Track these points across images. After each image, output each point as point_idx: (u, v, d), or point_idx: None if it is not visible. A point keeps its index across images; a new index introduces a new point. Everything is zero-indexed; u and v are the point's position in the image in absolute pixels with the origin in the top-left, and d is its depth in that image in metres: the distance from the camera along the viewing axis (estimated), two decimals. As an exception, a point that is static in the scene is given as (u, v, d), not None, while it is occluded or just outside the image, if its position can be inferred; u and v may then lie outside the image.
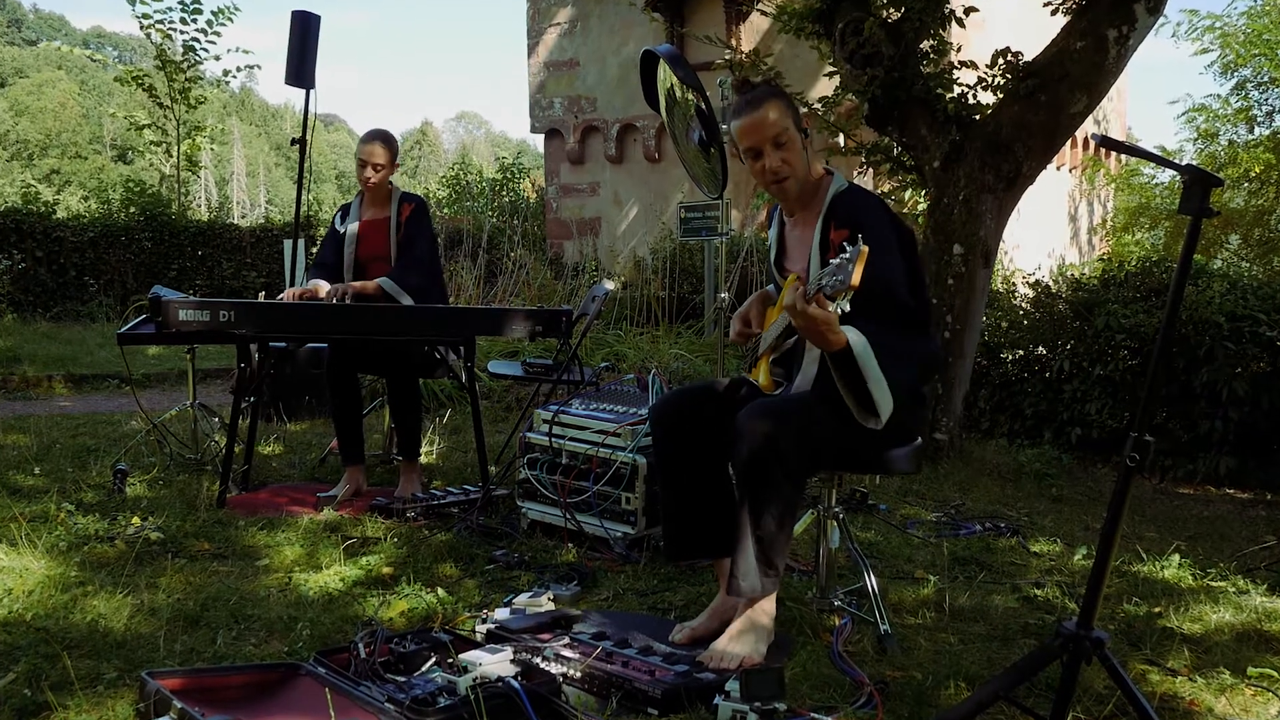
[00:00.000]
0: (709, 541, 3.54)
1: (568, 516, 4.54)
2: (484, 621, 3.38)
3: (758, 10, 8.86)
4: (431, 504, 4.99)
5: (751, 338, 3.69)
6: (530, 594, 3.67)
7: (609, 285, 6.34)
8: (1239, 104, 14.58)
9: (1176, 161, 2.54)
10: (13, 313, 13.63)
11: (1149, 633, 3.61)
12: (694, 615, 3.55)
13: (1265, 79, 14.23)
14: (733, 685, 2.81)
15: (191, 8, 16.32)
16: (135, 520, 4.63)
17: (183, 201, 17.50)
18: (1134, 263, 8.72)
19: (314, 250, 13.53)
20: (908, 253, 3.34)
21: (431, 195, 22.66)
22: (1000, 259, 11.22)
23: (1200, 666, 3.32)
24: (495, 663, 2.88)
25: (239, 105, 72.27)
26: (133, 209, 15.56)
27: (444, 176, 24.81)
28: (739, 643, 3.18)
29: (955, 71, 6.93)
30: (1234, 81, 14.57)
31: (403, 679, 2.84)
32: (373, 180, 5.59)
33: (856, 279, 2.79)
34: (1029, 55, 6.64)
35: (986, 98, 6.82)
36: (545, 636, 3.25)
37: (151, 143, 17.93)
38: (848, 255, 2.81)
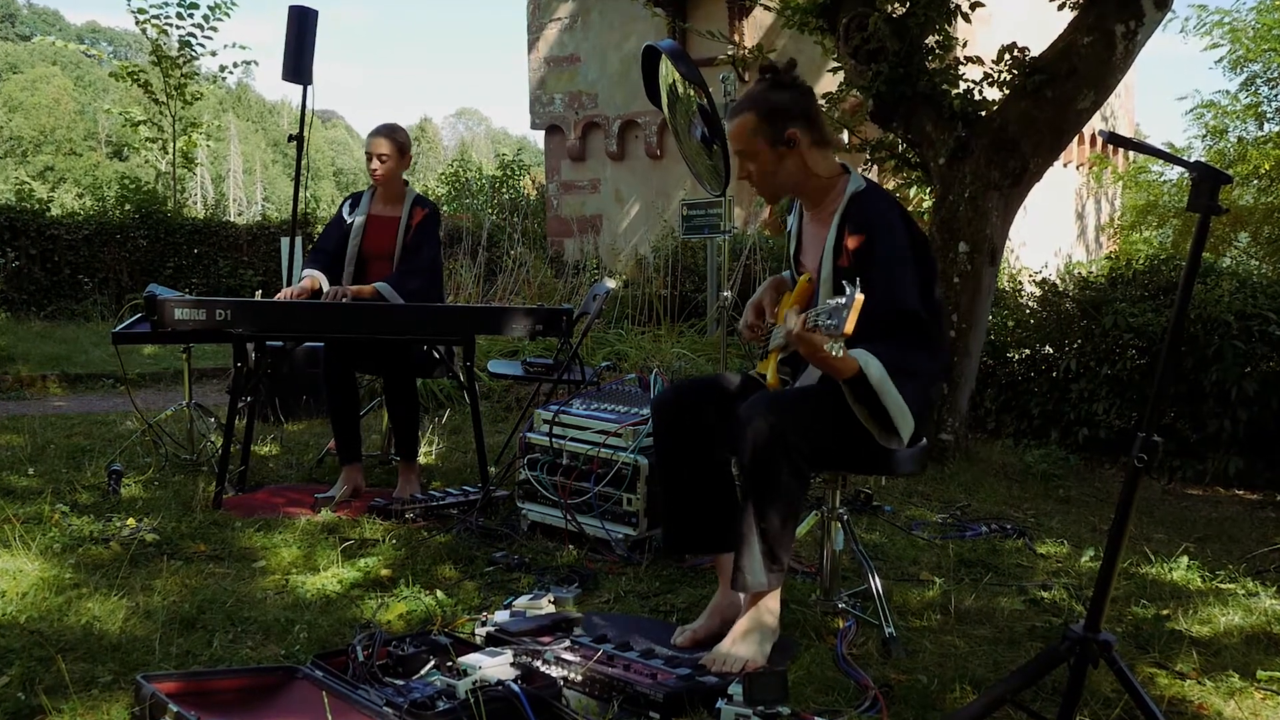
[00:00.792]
0: (708, 537, 3.54)
1: (568, 518, 4.55)
2: (484, 624, 3.38)
3: (761, 5, 8.86)
4: (430, 505, 5.00)
5: (760, 330, 3.69)
6: (530, 596, 3.67)
7: (610, 283, 6.34)
8: (1248, 100, 14.57)
9: (1185, 158, 2.53)
10: (6, 311, 13.62)
11: (1157, 635, 3.61)
12: (696, 617, 3.55)
13: (1275, 74, 14.22)
14: (736, 689, 2.81)
15: (188, 2, 16.33)
16: (130, 521, 4.64)
17: (178, 199, 17.52)
18: (1142, 261, 8.72)
19: (311, 248, 13.53)
20: (921, 259, 3.33)
21: (431, 192, 22.67)
22: (1006, 257, 11.21)
23: (1209, 669, 3.32)
24: (495, 666, 2.88)
25: (235, 101, 72.23)
26: (128, 206, 15.56)
27: (443, 173, 24.80)
28: (743, 645, 3.18)
29: (961, 67, 6.93)
30: (1243, 77, 14.56)
31: (401, 682, 2.84)
32: (379, 172, 5.59)
33: (849, 328, 2.81)
34: (1035, 51, 6.63)
35: (992, 94, 6.82)
36: (546, 639, 3.25)
37: (147, 139, 17.94)
38: (844, 300, 2.83)
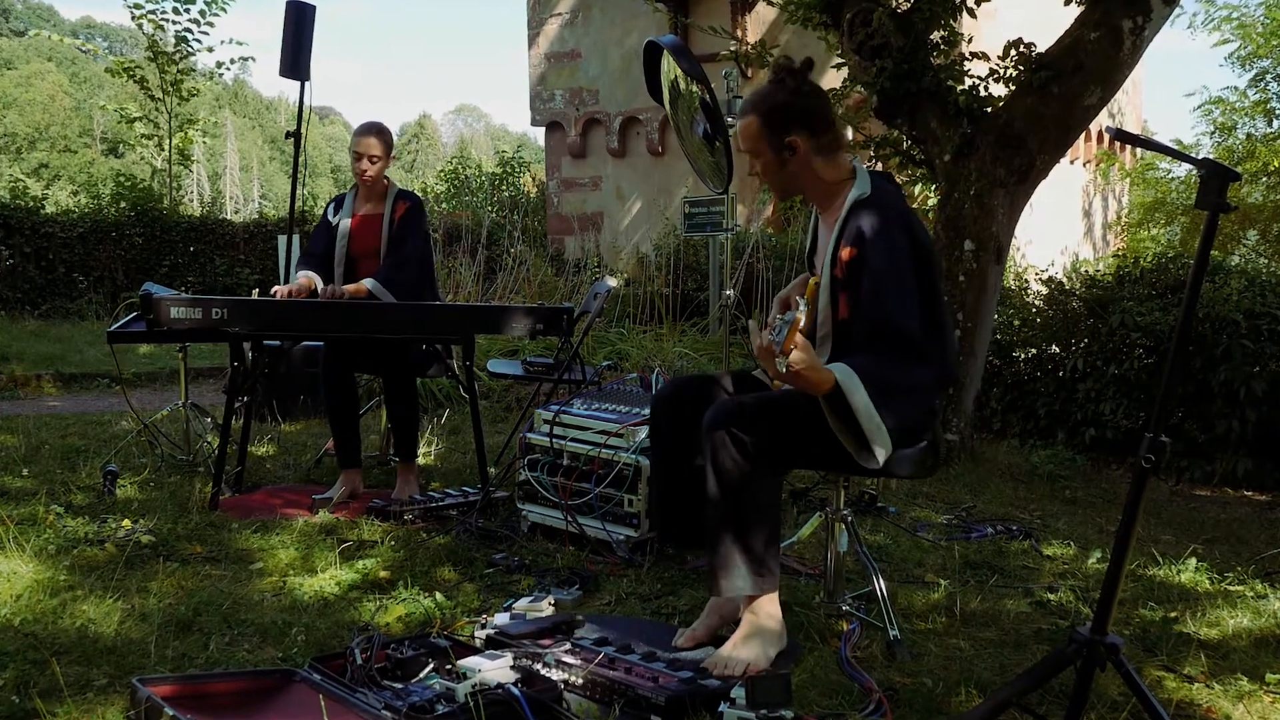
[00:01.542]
0: (701, 530, 3.52)
1: (569, 519, 4.54)
2: (483, 627, 3.38)
3: (763, 0, 8.86)
4: (429, 506, 5.00)
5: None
6: (531, 598, 3.67)
7: (611, 282, 6.34)
8: (1257, 96, 14.57)
9: (1193, 155, 2.53)
10: (0, 310, 13.64)
11: (1165, 638, 3.61)
12: (698, 619, 3.55)
13: (1285, 70, 14.22)
14: (738, 692, 2.81)
15: (184, -3, 16.35)
16: (126, 523, 4.64)
17: (174, 196, 17.53)
18: (1149, 259, 8.72)
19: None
20: (922, 270, 3.27)
21: (430, 190, 22.69)
22: (1012, 255, 11.20)
23: (1217, 673, 3.31)
24: (495, 669, 2.88)
25: (232, 98, 72.23)
26: (123, 204, 15.58)
27: (442, 170, 24.81)
28: (745, 648, 3.17)
29: (966, 63, 6.93)
30: (1253, 73, 14.56)
31: (400, 686, 2.84)
32: (369, 174, 5.59)
33: (788, 345, 2.87)
34: (1042, 46, 6.63)
35: (998, 90, 6.81)
36: (546, 642, 3.25)
37: (143, 136, 17.96)
38: (784, 319, 2.91)
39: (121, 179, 17.00)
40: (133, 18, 16.40)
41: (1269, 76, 14.45)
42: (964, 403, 6.72)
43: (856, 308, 3.24)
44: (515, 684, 2.78)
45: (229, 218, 18.84)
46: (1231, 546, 5.24)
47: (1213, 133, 14.92)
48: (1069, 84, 6.38)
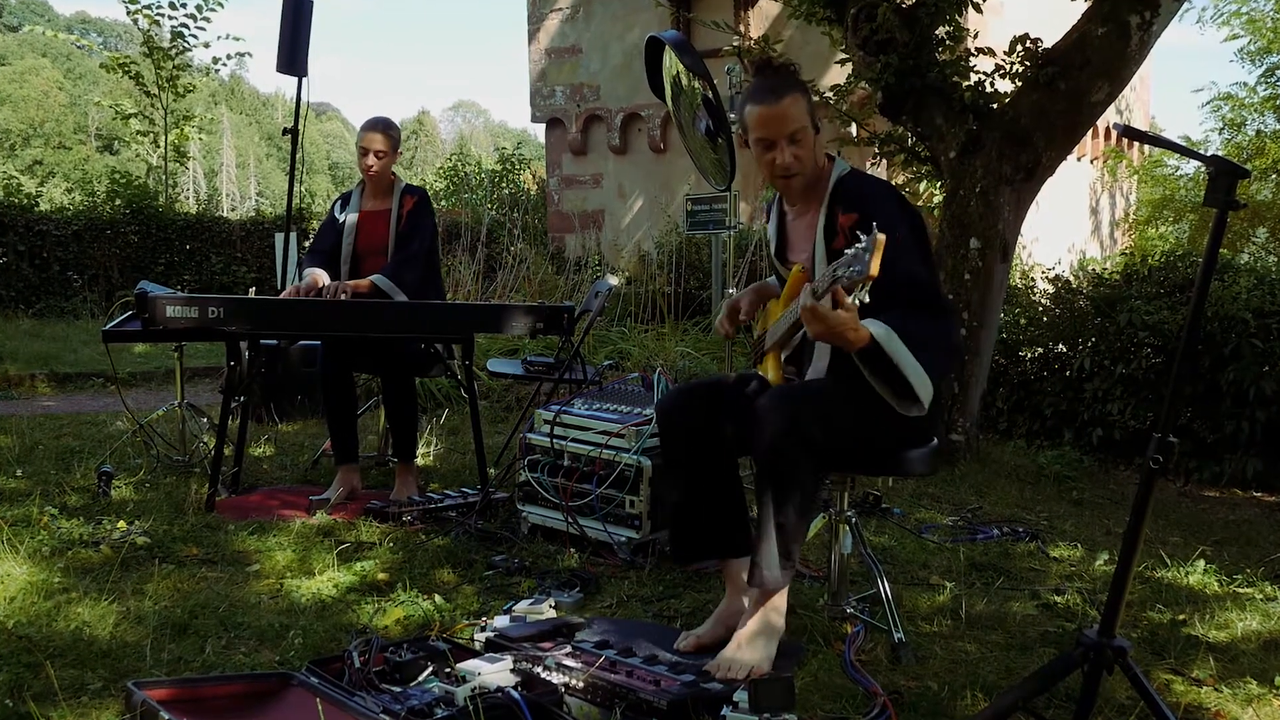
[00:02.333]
0: (717, 542, 3.54)
1: (570, 520, 4.55)
2: (483, 629, 3.39)
3: (767, -5, 8.86)
4: (428, 507, 5.00)
5: (736, 330, 3.73)
6: (531, 601, 3.68)
7: (612, 280, 6.35)
8: (1267, 92, 14.55)
9: (1201, 152, 2.53)
10: (-7, 309, 13.67)
11: (1173, 641, 3.61)
12: (700, 622, 3.55)
13: (1295, 66, 14.22)
14: (741, 696, 2.81)
15: (180, -8, 16.36)
16: (121, 524, 4.64)
17: (170, 194, 17.53)
18: (1157, 257, 8.70)
19: (306, 244, 13.55)
20: (919, 235, 3.36)
21: (429, 187, 22.68)
22: (1019, 253, 11.20)
23: (1226, 676, 3.32)
24: (495, 672, 2.88)
25: (228, 94, 72.27)
26: (118, 201, 15.57)
27: (441, 168, 24.81)
28: (749, 650, 3.17)
29: (972, 59, 6.92)
30: (1263, 69, 14.55)
31: (398, 689, 2.84)
32: (375, 169, 5.60)
33: (875, 268, 2.78)
34: (1048, 42, 6.63)
35: (1004, 86, 6.81)
36: (546, 645, 3.25)
37: (138, 133, 17.96)
38: (863, 245, 2.80)
39: (117, 176, 17.00)
40: (128, 13, 16.40)
41: (1279, 72, 14.44)
42: (970, 402, 6.72)
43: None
44: (515, 687, 2.79)
45: (225, 215, 18.84)
46: (1240, 548, 5.23)
47: (1222, 129, 14.91)
48: (1076, 80, 6.37)
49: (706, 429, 3.47)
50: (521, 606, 3.61)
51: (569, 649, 3.19)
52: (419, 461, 5.92)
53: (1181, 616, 3.89)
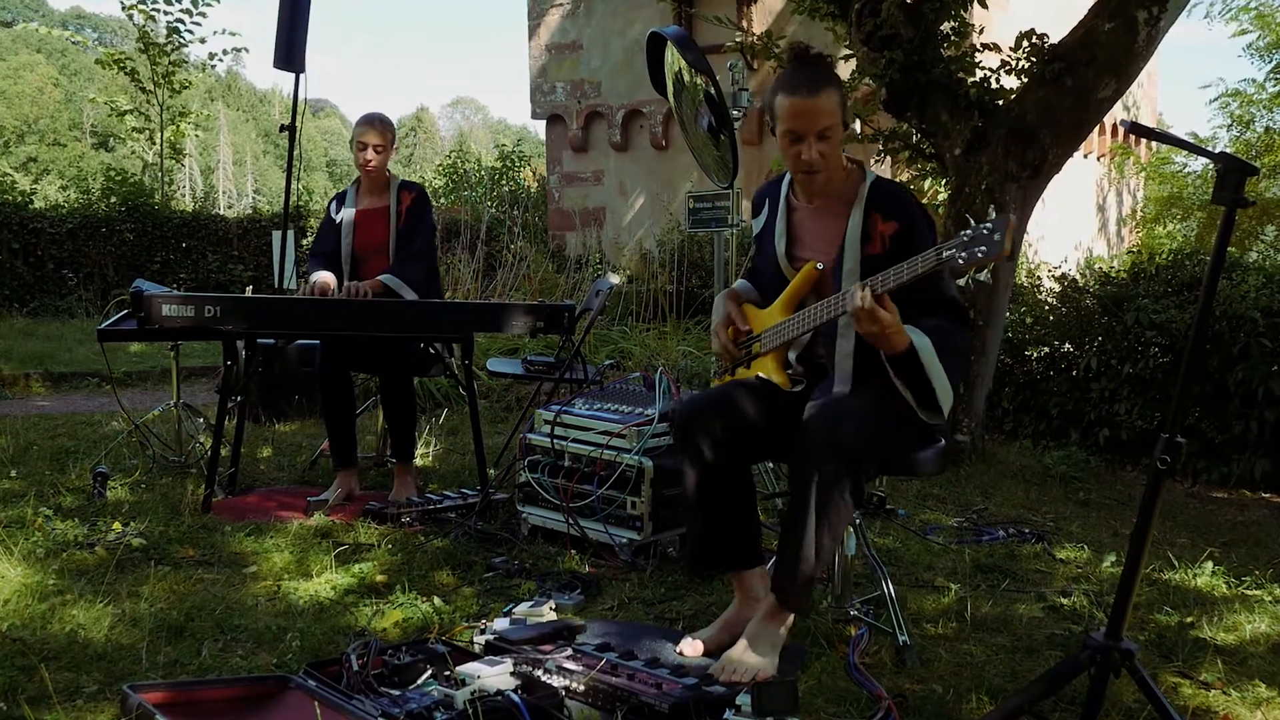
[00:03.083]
0: (734, 554, 3.51)
1: (570, 522, 4.55)
2: (482, 632, 3.38)
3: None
4: (427, 508, 5.00)
5: (742, 344, 3.66)
6: (531, 603, 3.67)
7: (614, 279, 6.35)
8: (1275, 88, 14.53)
9: (1209, 149, 2.53)
10: (-12, 308, 13.68)
11: (1181, 644, 3.61)
12: (702, 625, 3.55)
13: (1305, 62, 14.19)
14: (744, 699, 2.81)
15: (176, -12, 16.36)
16: (116, 526, 4.64)
17: (166, 191, 17.54)
18: (1165, 255, 8.70)
19: (304, 242, 13.56)
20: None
21: (428, 184, 22.68)
22: (1025, 251, 11.20)
23: (1234, 679, 3.31)
24: (494, 675, 2.88)
25: (225, 90, 72.26)
26: (114, 199, 15.59)
27: (441, 165, 24.83)
28: (752, 653, 3.17)
29: (977, 54, 6.92)
30: (1271, 65, 14.52)
31: (397, 693, 2.84)
32: (373, 164, 5.60)
33: (1008, 246, 2.90)
34: (1055, 38, 6.62)
35: (1010, 82, 6.81)
36: (547, 648, 3.25)
37: (134, 129, 17.97)
38: (991, 225, 2.92)
39: (112, 173, 17.02)
40: (123, 8, 16.42)
41: (1288, 68, 14.42)
42: (975, 402, 6.72)
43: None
44: (515, 691, 2.79)
45: (222, 213, 18.87)
46: (1249, 550, 5.23)
47: (1230, 126, 14.89)
48: (1082, 76, 6.37)
49: (725, 441, 3.40)
50: (521, 609, 3.61)
51: (570, 652, 3.19)
52: (418, 462, 5.92)
53: (1189, 619, 3.89)
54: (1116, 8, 6.32)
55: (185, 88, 17.71)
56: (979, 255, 2.90)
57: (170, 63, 16.78)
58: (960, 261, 2.93)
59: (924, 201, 9.01)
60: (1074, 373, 7.65)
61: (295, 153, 6.66)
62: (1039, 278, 9.10)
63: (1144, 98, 17.18)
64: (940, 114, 6.74)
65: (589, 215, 16.64)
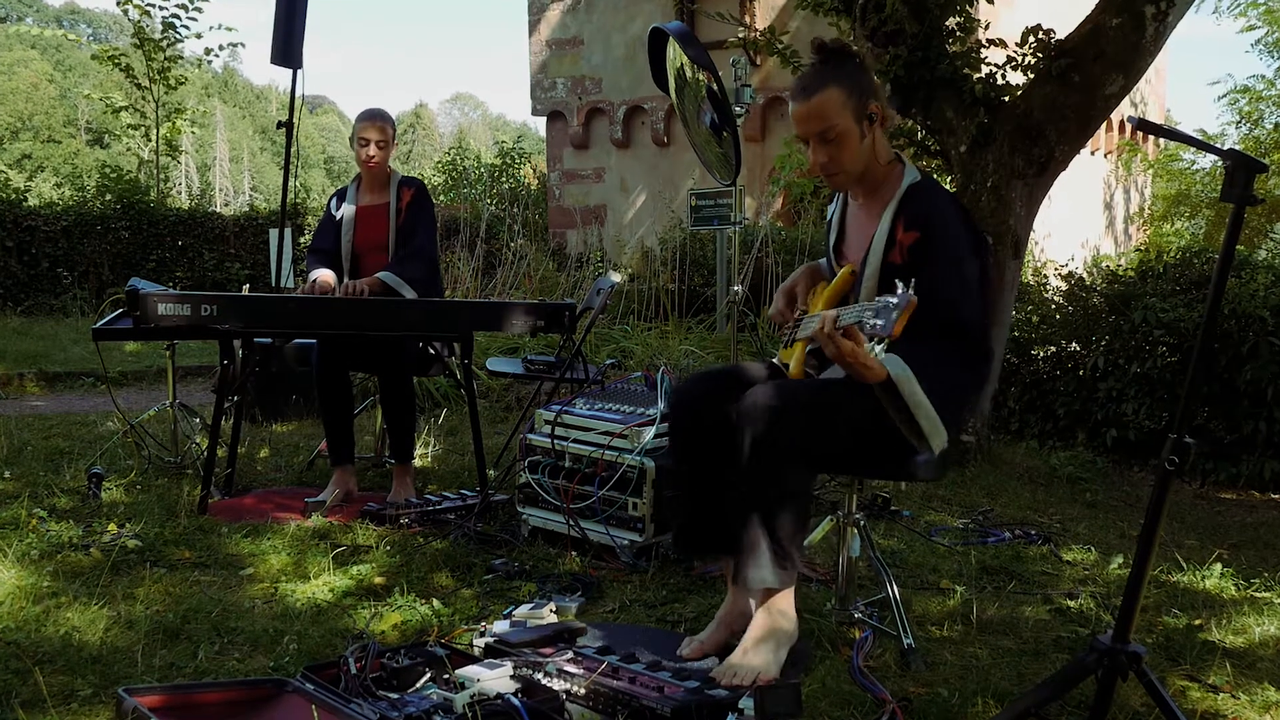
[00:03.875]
0: (721, 538, 3.50)
1: (571, 523, 4.54)
2: (482, 635, 3.38)
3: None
4: (426, 510, 4.99)
5: (789, 318, 3.67)
6: (531, 605, 3.67)
7: (615, 277, 6.35)
8: (1285, 85, 14.56)
9: (1218, 146, 2.53)
10: (-19, 307, 13.69)
11: (1189, 646, 3.61)
12: (705, 628, 3.54)
13: (1314, 58, 14.21)
14: (747, 703, 2.81)
15: (172, -18, 16.36)
16: (112, 527, 4.64)
17: (162, 188, 17.56)
18: (1173, 253, 8.71)
19: (302, 240, 13.58)
20: (972, 266, 3.28)
21: (427, 181, 22.69)
22: (1031, 249, 11.17)
23: (1243, 682, 3.31)
24: (494, 679, 2.88)
25: (221, 86, 72.34)
26: (109, 196, 15.60)
27: (440, 162, 24.86)
28: (755, 655, 3.16)
29: (983, 50, 6.91)
30: (1280, 61, 14.55)
31: (396, 696, 2.85)
32: (375, 159, 5.60)
33: (898, 330, 2.80)
34: (1062, 33, 6.62)
35: (1016, 78, 6.80)
36: (547, 651, 3.25)
37: (129, 126, 17.99)
38: (895, 301, 2.80)
39: (107, 170, 17.03)
40: (118, 3, 16.41)
41: (1298, 64, 14.44)
42: (981, 402, 6.71)
43: (920, 294, 3.22)
44: (515, 694, 2.79)
45: (218, 211, 18.89)
46: (1258, 551, 5.23)
47: (1238, 122, 14.92)
48: (1089, 72, 6.37)
49: (715, 418, 3.39)
50: (522, 611, 3.61)
51: (570, 655, 3.19)
52: (417, 463, 5.92)
53: (1198, 621, 3.89)
54: (1124, 3, 6.31)
55: (181, 84, 17.72)
56: (878, 328, 2.84)
57: (166, 58, 16.78)
58: (871, 331, 2.86)
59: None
60: (1081, 372, 7.65)
61: (293, 149, 6.66)
62: (1045, 276, 9.10)
63: (1152, 94, 17.18)
64: (945, 111, 6.74)
65: (590, 213, 16.65)
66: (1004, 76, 6.77)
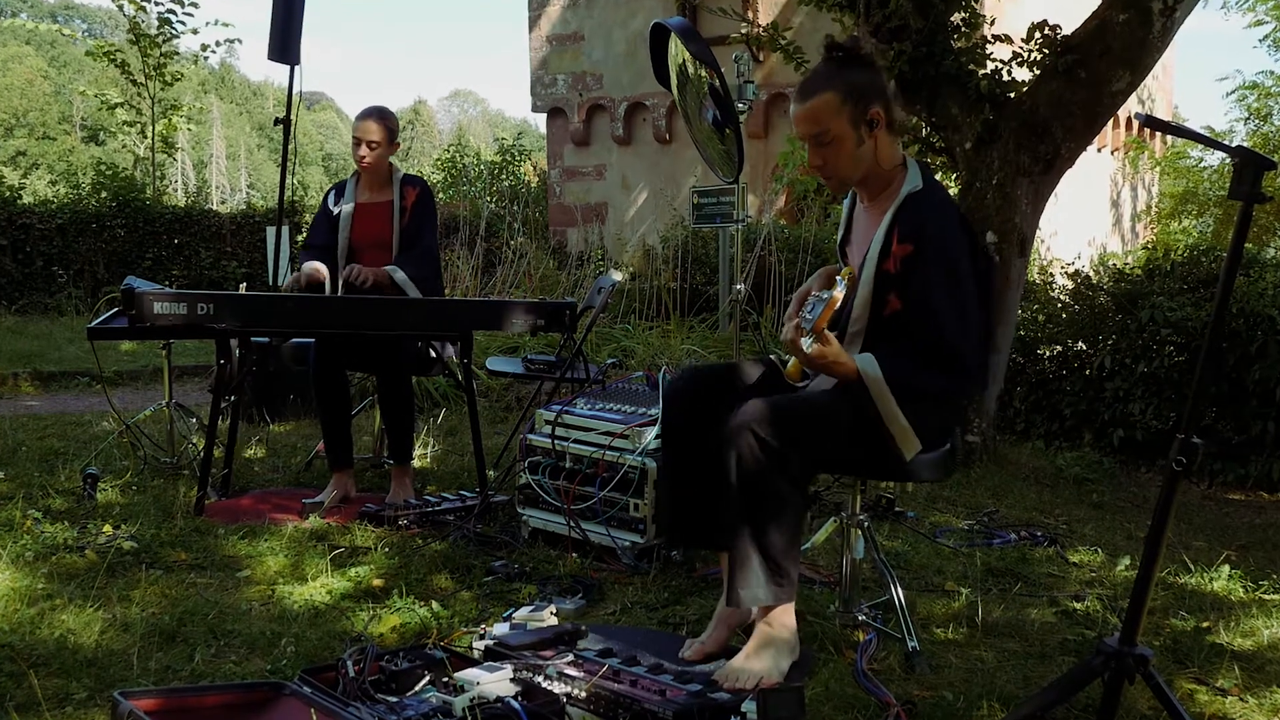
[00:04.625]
0: (711, 530, 3.50)
1: (571, 524, 4.54)
2: (482, 637, 3.38)
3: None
4: (425, 511, 4.99)
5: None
6: (531, 608, 3.67)
7: (616, 276, 6.35)
8: (1294, 81, 14.56)
9: (1226, 143, 2.53)
10: (-24, 305, 13.70)
11: (1196, 649, 3.61)
12: (706, 630, 3.55)
13: (1323, 54, 14.20)
14: (749, 706, 2.81)
15: (168, -23, 16.36)
16: (107, 528, 4.64)
17: (158, 186, 17.56)
18: (1180, 252, 8.70)
19: (299, 238, 13.57)
20: (964, 279, 3.27)
21: (426, 179, 22.70)
22: (1037, 247, 11.20)
23: (1251, 685, 3.31)
24: (494, 682, 2.88)
25: (218, 82, 72.28)
26: (104, 194, 15.60)
27: (439, 159, 24.87)
28: (757, 660, 3.16)
29: (988, 46, 6.91)
30: (1289, 56, 14.55)
31: (394, 699, 2.85)
32: (367, 160, 5.59)
33: (820, 324, 2.97)
34: (1068, 29, 6.62)
35: (1022, 74, 6.80)
36: (547, 653, 3.25)
37: (124, 123, 18.00)
38: (825, 296, 2.97)
39: (103, 168, 17.03)
40: (113, -1, 16.44)
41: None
42: (986, 402, 6.71)
43: (908, 307, 3.24)
44: (515, 697, 2.79)
45: (215, 208, 18.88)
46: (1266, 553, 5.23)
47: (1247, 119, 14.93)
48: (1096, 68, 6.37)
49: (707, 411, 3.43)
50: (522, 613, 3.61)
51: (571, 657, 3.19)
52: (415, 463, 5.92)
53: (1205, 624, 3.89)
54: (1131, -2, 6.32)
55: (177, 80, 17.72)
56: (806, 321, 3.01)
57: (162, 54, 16.78)
58: (805, 323, 3.03)
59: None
60: (1087, 372, 7.65)
61: (290, 147, 6.66)
62: (1051, 274, 9.11)
63: (1159, 90, 17.18)
64: (950, 107, 6.74)
65: (591, 210, 16.65)
66: (1009, 73, 6.78)
